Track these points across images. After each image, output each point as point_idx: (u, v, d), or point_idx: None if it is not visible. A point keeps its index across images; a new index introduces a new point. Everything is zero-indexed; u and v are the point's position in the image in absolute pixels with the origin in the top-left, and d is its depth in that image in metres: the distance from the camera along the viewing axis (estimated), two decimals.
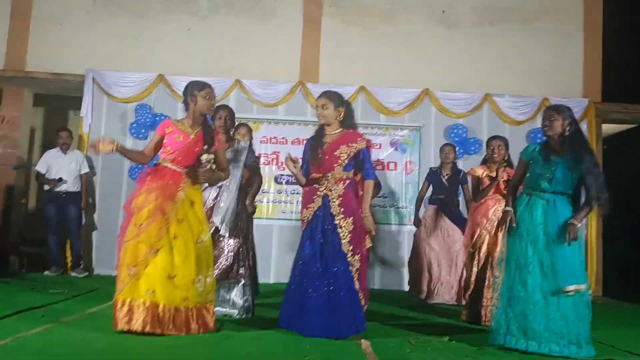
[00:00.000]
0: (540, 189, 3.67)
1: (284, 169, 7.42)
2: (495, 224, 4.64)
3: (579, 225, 3.53)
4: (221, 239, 4.28)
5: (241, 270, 4.31)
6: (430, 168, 6.31)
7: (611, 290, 7.48)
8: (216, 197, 4.32)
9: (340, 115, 3.87)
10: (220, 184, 4.22)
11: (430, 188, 6.14)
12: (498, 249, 4.57)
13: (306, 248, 3.75)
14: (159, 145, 3.73)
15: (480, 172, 4.90)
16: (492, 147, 4.83)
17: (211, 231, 4.22)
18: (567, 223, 3.54)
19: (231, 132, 4.57)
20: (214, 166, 3.71)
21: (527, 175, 3.78)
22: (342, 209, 3.75)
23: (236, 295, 4.31)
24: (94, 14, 7.71)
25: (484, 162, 4.97)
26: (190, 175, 3.65)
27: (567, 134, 3.65)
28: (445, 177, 5.94)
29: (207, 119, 3.87)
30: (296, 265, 3.80)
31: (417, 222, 6.03)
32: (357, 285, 3.74)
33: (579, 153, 3.58)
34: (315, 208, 3.78)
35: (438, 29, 7.86)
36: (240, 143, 4.43)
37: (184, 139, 3.66)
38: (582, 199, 3.67)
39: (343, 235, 3.72)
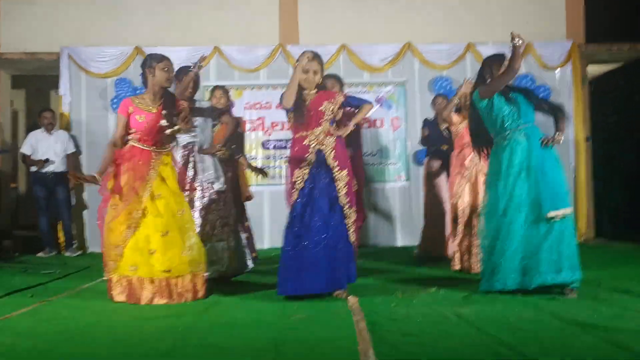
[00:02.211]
0: (516, 125, 3.73)
1: (270, 135, 7.38)
2: (474, 171, 4.68)
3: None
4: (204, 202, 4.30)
5: (225, 229, 4.32)
6: (426, 119, 6.05)
7: (603, 231, 7.53)
8: (184, 155, 4.30)
9: (320, 80, 3.85)
10: (187, 142, 4.27)
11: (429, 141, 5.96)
12: (480, 196, 4.60)
13: (300, 205, 3.70)
14: (127, 126, 3.69)
15: (457, 119, 4.91)
16: (463, 96, 4.82)
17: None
18: (555, 136, 3.70)
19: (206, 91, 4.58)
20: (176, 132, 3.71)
21: (490, 118, 3.80)
22: (337, 162, 3.76)
23: (221, 254, 4.29)
24: None
25: (458, 110, 4.94)
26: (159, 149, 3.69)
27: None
28: (444, 127, 5.57)
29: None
30: (292, 223, 3.72)
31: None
32: (352, 237, 3.78)
33: (520, 89, 3.92)
34: (311, 165, 3.74)
35: None
36: (202, 102, 4.42)
37: (146, 118, 3.65)
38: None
39: (340, 188, 3.74)
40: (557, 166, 3.71)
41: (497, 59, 3.90)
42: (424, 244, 5.74)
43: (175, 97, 3.81)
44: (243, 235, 4.75)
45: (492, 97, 3.76)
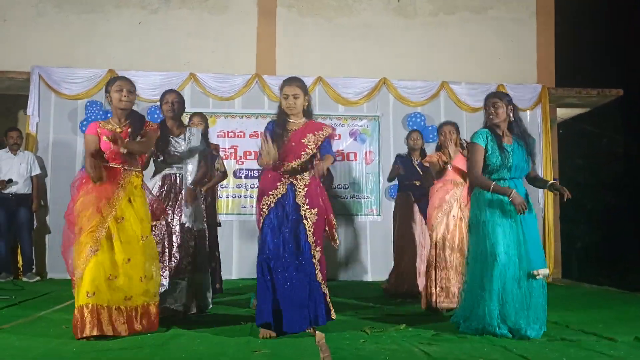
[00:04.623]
0: (501, 177, 3.67)
1: (242, 164, 7.30)
2: (454, 205, 4.69)
3: None
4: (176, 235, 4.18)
5: (189, 267, 4.18)
6: (399, 154, 5.99)
7: (570, 271, 7.60)
8: (162, 186, 4.20)
9: (306, 103, 3.74)
10: (167, 172, 4.22)
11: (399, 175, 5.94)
12: (451, 230, 4.64)
13: (270, 242, 3.58)
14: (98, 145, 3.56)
15: (435, 158, 4.90)
16: (443, 133, 4.85)
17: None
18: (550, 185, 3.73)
19: (182, 118, 4.47)
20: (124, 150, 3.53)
21: (485, 163, 3.71)
22: (308, 200, 3.63)
23: (180, 293, 4.14)
24: (40, 9, 7.42)
25: (438, 149, 4.96)
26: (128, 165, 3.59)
27: (511, 119, 3.72)
28: (417, 163, 5.66)
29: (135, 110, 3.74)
30: (263, 260, 3.59)
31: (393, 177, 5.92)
32: (319, 277, 3.64)
33: (524, 139, 3.72)
34: (280, 195, 3.62)
35: (394, 18, 7.83)
36: (192, 130, 4.32)
37: None
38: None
39: (308, 227, 3.62)
40: (536, 225, 3.70)
41: (511, 103, 3.73)
42: (394, 279, 5.66)
43: (144, 118, 3.74)
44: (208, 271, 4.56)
45: (487, 143, 3.68)
